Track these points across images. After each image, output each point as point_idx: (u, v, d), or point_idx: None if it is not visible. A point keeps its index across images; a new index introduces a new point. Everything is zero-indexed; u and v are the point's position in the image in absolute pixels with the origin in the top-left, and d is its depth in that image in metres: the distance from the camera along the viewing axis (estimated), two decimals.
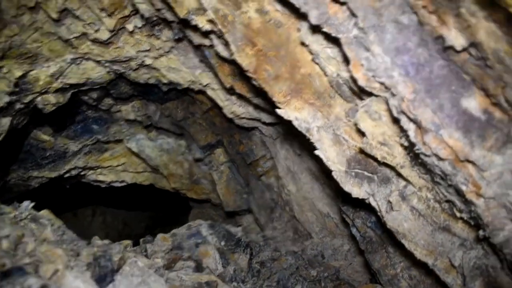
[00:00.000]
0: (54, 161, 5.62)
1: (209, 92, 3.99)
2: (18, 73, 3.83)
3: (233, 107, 3.87)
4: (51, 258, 1.81)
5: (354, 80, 1.81)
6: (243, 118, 3.99)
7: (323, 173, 3.65)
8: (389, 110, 1.80)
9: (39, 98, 4.16)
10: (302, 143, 3.64)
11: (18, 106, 4.13)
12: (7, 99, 3.90)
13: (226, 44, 2.60)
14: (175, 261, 2.96)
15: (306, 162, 3.84)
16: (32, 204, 2.54)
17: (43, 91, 4.08)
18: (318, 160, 3.57)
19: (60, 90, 4.20)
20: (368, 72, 1.69)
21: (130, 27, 3.56)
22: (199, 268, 2.92)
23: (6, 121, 4.12)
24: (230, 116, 4.03)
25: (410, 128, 1.65)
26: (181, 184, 5.79)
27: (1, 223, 1.86)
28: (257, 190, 4.69)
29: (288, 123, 2.70)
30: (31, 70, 3.89)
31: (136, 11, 3.40)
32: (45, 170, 5.67)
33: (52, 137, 5.36)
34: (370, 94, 1.81)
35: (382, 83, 1.68)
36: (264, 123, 3.91)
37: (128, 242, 2.49)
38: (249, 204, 4.83)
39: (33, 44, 3.71)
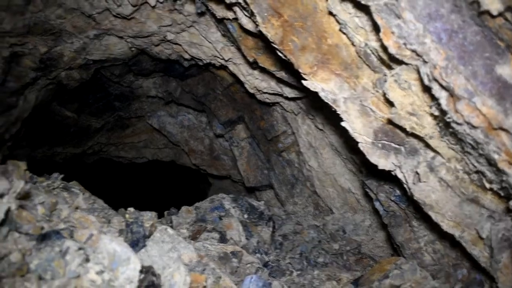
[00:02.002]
0: (77, 137, 5.72)
1: (231, 67, 3.98)
2: (43, 49, 3.87)
3: (255, 82, 3.86)
4: (84, 224, 1.87)
5: (384, 48, 1.79)
6: (265, 93, 3.99)
7: (346, 148, 3.64)
8: (420, 79, 1.78)
9: (63, 74, 4.22)
10: (325, 117, 3.63)
11: (43, 82, 4.19)
12: (32, 74, 3.96)
13: (251, 16, 2.59)
14: (200, 232, 3.01)
15: (328, 137, 3.83)
16: (62, 175, 2.61)
17: (67, 67, 4.13)
18: (341, 135, 3.57)
19: (84, 66, 4.25)
20: (399, 40, 1.67)
21: (152, 1, 3.56)
22: (223, 239, 2.97)
23: (32, 97, 4.20)
24: (252, 91, 4.03)
25: (442, 96, 1.63)
26: (202, 160, 5.84)
27: (36, 190, 1.92)
28: (277, 166, 4.71)
29: (313, 96, 2.70)
30: (55, 46, 3.94)
31: None
32: (69, 146, 5.78)
33: (76, 114, 5.44)
34: (400, 62, 1.79)
35: (413, 51, 1.66)
36: (286, 98, 3.90)
37: (154, 213, 2.54)
38: (269, 180, 4.86)
39: (57, 20, 3.74)
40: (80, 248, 1.51)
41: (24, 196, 1.73)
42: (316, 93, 2.34)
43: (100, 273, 1.41)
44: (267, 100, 4.17)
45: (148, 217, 2.07)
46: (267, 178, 4.89)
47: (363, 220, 3.88)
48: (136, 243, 1.78)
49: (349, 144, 3.45)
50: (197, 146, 5.81)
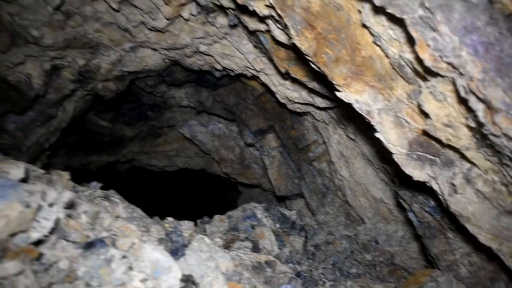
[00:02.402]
0: (112, 146, 5.88)
1: (262, 78, 4.03)
2: (82, 62, 4.02)
3: (286, 92, 3.90)
4: (125, 232, 1.93)
5: (419, 61, 1.80)
6: (296, 103, 4.02)
7: (378, 157, 3.63)
8: (456, 91, 1.78)
9: (100, 86, 4.36)
10: (357, 127, 3.63)
11: (81, 93, 4.34)
12: (71, 86, 4.11)
13: (284, 29, 2.64)
14: (233, 241, 3.06)
15: (360, 147, 3.83)
16: (100, 184, 2.71)
17: (104, 78, 4.27)
18: (373, 144, 3.56)
19: (120, 78, 4.38)
20: (435, 52, 1.68)
21: (186, 14, 3.65)
22: (256, 248, 3.01)
23: (71, 108, 4.35)
24: (283, 101, 4.07)
25: (479, 108, 1.63)
26: (233, 169, 5.91)
27: (79, 200, 2.00)
28: (308, 175, 4.72)
29: (345, 106, 2.71)
30: (93, 59, 4.08)
31: None
32: (104, 155, 5.95)
33: (111, 124, 5.60)
34: (436, 74, 1.80)
35: (449, 63, 1.66)
36: (317, 107, 3.92)
37: (192, 222, 2.60)
38: (300, 189, 4.87)
39: (94, 34, 3.88)
40: (123, 256, 1.58)
41: (70, 206, 1.81)
42: (348, 103, 2.36)
43: (143, 281, 1.47)
44: (298, 110, 4.20)
45: (186, 227, 2.13)
46: (297, 187, 4.91)
47: (395, 230, 3.84)
48: (176, 252, 1.83)
49: (381, 154, 3.44)
50: (228, 155, 5.88)
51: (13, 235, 1.45)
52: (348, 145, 4.01)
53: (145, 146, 6.39)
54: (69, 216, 1.72)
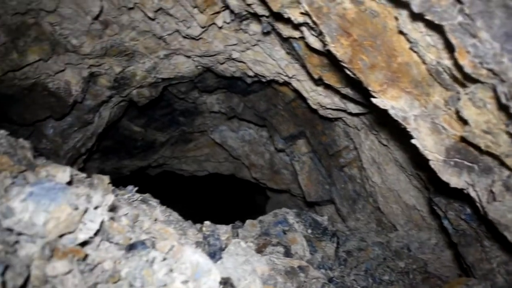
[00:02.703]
0: (144, 151, 6.00)
1: (294, 84, 4.06)
2: (118, 69, 4.13)
3: (318, 98, 3.91)
4: (164, 235, 1.99)
5: (458, 68, 1.79)
6: (328, 108, 4.02)
7: (411, 164, 3.59)
8: (496, 98, 1.76)
9: (134, 92, 4.46)
10: (390, 133, 3.61)
11: (116, 99, 4.45)
12: (108, 93, 4.23)
13: (319, 36, 2.66)
14: (265, 246, 3.08)
15: (393, 153, 3.79)
16: (136, 188, 2.77)
17: (138, 85, 4.37)
18: (406, 150, 3.53)
19: (153, 84, 4.48)
20: (475, 59, 1.67)
21: (219, 22, 3.71)
22: (288, 253, 3.02)
23: (106, 114, 4.47)
24: (315, 107, 4.07)
25: None
26: (262, 174, 5.94)
27: (119, 203, 2.06)
28: (339, 181, 4.70)
29: (378, 112, 2.70)
30: (128, 66, 4.19)
31: (226, 7, 3.54)
32: (136, 159, 6.07)
33: (143, 129, 5.71)
34: (475, 81, 1.78)
35: (490, 70, 1.65)
36: (349, 113, 3.92)
37: (229, 227, 2.64)
38: (331, 195, 4.86)
39: (130, 42, 3.98)
40: (164, 259, 1.62)
41: (112, 209, 1.87)
42: (382, 109, 2.36)
43: (184, 282, 1.51)
44: (330, 116, 4.20)
45: (224, 231, 2.16)
46: (328, 193, 4.89)
47: (429, 238, 3.79)
48: (213, 255, 1.87)
49: (415, 160, 3.40)
50: (258, 160, 5.92)
51: (61, 236, 1.51)
52: (381, 151, 3.98)
53: (176, 151, 6.50)
54: (112, 218, 1.77)
